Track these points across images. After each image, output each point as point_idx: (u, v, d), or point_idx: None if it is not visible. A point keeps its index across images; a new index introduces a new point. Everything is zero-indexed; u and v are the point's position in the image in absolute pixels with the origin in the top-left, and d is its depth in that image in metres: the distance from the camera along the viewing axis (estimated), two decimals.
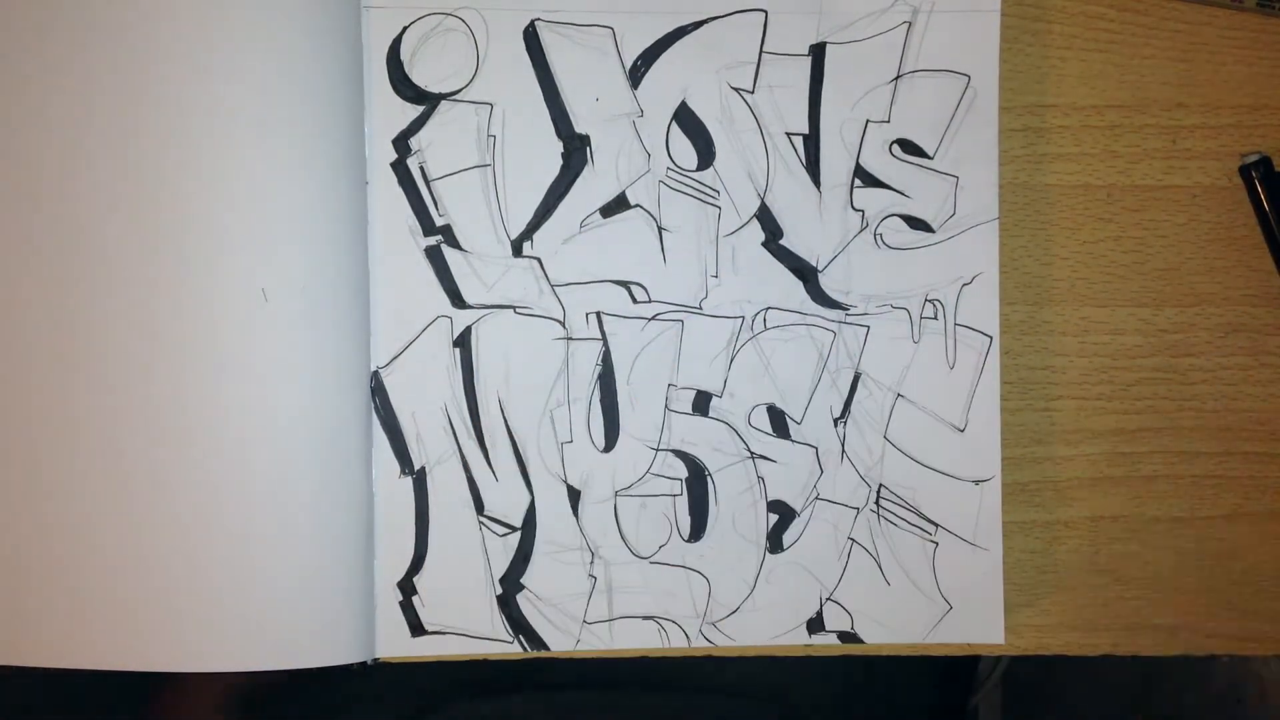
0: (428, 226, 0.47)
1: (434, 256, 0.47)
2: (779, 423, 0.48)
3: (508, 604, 0.48)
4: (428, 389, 0.47)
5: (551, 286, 0.47)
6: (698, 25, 0.47)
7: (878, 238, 0.48)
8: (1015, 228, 0.49)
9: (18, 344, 0.45)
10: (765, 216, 0.48)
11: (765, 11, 0.47)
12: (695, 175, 0.48)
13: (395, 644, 0.47)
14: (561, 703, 0.62)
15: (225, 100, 0.44)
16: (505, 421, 0.48)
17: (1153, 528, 0.50)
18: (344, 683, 0.63)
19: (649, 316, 0.48)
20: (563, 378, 0.48)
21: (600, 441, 0.48)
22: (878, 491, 0.48)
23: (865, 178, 0.48)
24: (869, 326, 0.48)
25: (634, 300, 0.48)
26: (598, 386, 0.48)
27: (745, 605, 0.48)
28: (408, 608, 0.47)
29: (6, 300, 0.45)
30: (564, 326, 0.48)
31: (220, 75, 0.44)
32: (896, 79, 0.48)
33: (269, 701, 0.63)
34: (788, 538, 0.48)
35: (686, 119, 0.47)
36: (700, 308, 0.48)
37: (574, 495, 0.48)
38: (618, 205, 0.48)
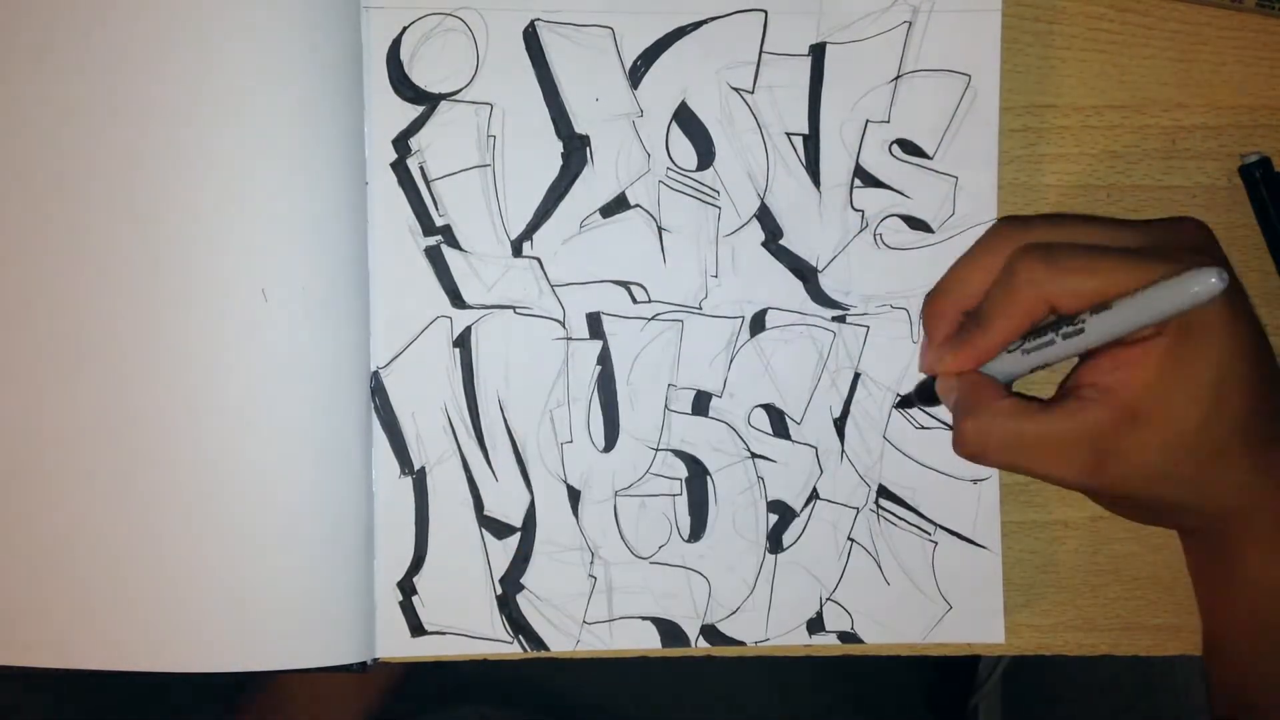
0: (428, 226, 0.47)
1: (434, 256, 0.47)
2: (779, 423, 0.48)
3: (507, 604, 0.48)
4: (428, 389, 0.47)
5: (551, 286, 0.47)
6: (697, 25, 0.47)
7: (877, 238, 0.48)
8: None
9: (18, 345, 0.45)
10: (765, 217, 0.48)
11: (765, 11, 0.47)
12: (695, 175, 0.48)
13: (395, 644, 0.47)
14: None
15: (225, 100, 0.44)
16: (505, 421, 0.48)
17: (1153, 528, 0.49)
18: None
19: (649, 317, 0.48)
20: (562, 378, 0.48)
21: (600, 441, 0.48)
22: (877, 491, 0.48)
23: (865, 178, 0.48)
24: (869, 326, 0.48)
25: (634, 300, 0.48)
26: (597, 386, 0.48)
27: (745, 605, 0.48)
28: (408, 608, 0.47)
29: (7, 301, 0.45)
30: (564, 326, 0.48)
31: (220, 75, 0.44)
32: (896, 79, 0.47)
33: None
34: (787, 538, 0.48)
35: (686, 119, 0.47)
36: (700, 308, 0.48)
37: (574, 495, 0.48)
38: (618, 205, 0.48)
